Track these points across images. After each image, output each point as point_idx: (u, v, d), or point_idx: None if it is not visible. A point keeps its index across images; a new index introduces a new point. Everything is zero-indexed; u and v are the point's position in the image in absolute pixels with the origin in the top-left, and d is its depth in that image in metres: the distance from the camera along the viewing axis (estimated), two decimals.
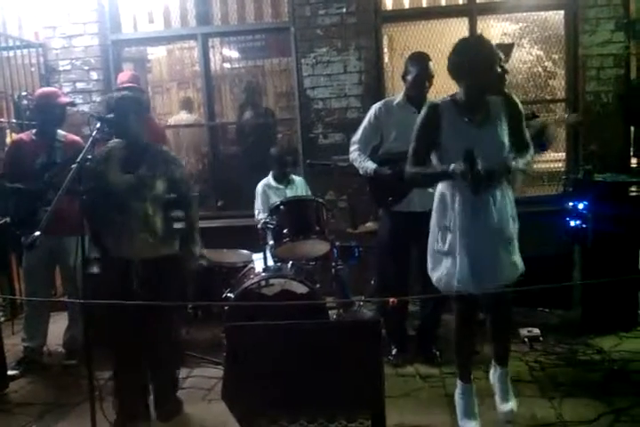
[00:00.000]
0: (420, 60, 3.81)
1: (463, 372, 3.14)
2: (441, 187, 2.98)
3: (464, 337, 3.13)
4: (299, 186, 4.85)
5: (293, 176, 4.89)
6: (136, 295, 3.07)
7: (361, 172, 3.95)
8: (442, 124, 2.90)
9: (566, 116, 5.01)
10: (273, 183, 4.79)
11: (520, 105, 3.02)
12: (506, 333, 3.24)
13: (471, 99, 2.90)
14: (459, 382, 3.14)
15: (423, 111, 3.00)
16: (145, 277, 3.17)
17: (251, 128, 6.36)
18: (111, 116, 3.08)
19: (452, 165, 2.74)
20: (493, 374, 3.22)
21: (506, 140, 2.91)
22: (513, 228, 2.96)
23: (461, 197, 2.88)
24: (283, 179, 4.81)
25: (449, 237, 2.92)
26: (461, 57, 2.87)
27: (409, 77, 3.83)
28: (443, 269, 2.96)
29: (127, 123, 3.16)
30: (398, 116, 3.86)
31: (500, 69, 2.86)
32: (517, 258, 2.98)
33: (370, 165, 3.87)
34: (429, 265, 3.05)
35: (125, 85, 4.53)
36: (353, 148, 4.02)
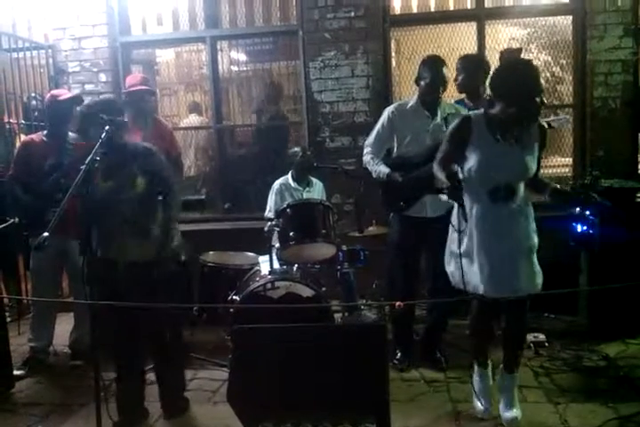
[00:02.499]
0: (434, 66, 3.78)
1: (478, 358, 3.27)
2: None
3: (480, 327, 3.24)
4: (317, 190, 4.81)
5: (312, 179, 4.83)
6: (123, 297, 3.05)
7: (374, 175, 3.93)
8: (471, 138, 2.93)
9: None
10: (292, 184, 4.72)
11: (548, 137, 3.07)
12: (518, 341, 3.25)
13: (506, 119, 2.87)
14: (475, 367, 3.27)
15: (455, 122, 3.05)
16: (131, 279, 3.16)
17: (265, 130, 6.37)
18: (121, 118, 3.09)
19: (444, 185, 2.84)
20: (499, 381, 3.23)
21: (532, 164, 2.94)
22: (535, 240, 3.01)
23: (480, 207, 2.96)
24: (303, 180, 4.76)
25: (465, 240, 2.98)
26: (513, 78, 2.83)
27: (423, 83, 3.81)
28: (455, 268, 3.05)
29: (95, 131, 3.08)
30: (412, 120, 3.84)
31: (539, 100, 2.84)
32: (539, 269, 3.02)
33: (383, 170, 3.84)
34: (446, 259, 3.16)
35: (137, 88, 4.52)
36: (366, 151, 4.00)
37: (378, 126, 3.99)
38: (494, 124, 2.91)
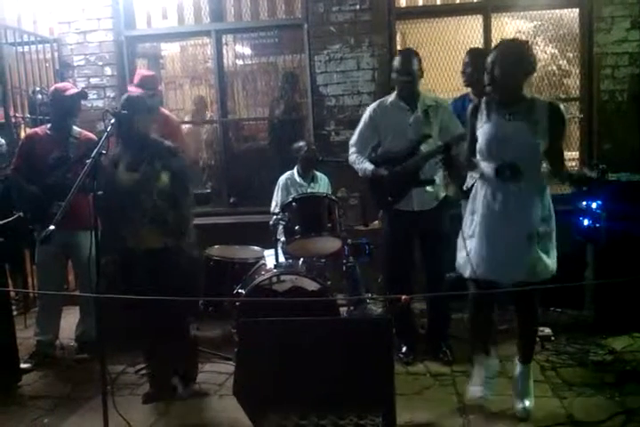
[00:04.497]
0: (406, 59, 3.80)
1: (477, 350, 3.26)
2: (478, 177, 3.16)
3: (477, 322, 3.24)
4: (322, 185, 4.80)
5: (318, 173, 4.83)
6: (142, 284, 3.16)
7: (360, 173, 3.98)
8: (477, 122, 3.11)
9: None
10: (297, 179, 4.73)
11: (565, 118, 3.08)
12: (528, 330, 3.26)
13: (498, 96, 3.04)
14: (476, 357, 3.26)
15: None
16: (149, 266, 3.29)
17: (272, 123, 6.35)
18: (125, 112, 3.11)
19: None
20: (515, 371, 3.26)
21: (536, 142, 2.96)
22: (542, 228, 3.01)
23: (489, 188, 3.04)
24: (307, 175, 4.75)
25: (475, 220, 3.08)
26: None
27: (396, 76, 3.83)
28: (464, 253, 3.10)
29: (131, 123, 3.26)
30: (392, 115, 3.87)
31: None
32: (545, 259, 3.00)
33: (367, 167, 3.88)
34: (458, 251, 3.19)
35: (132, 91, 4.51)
36: (351, 150, 4.03)
37: (360, 125, 4.01)
38: (497, 103, 3.06)
